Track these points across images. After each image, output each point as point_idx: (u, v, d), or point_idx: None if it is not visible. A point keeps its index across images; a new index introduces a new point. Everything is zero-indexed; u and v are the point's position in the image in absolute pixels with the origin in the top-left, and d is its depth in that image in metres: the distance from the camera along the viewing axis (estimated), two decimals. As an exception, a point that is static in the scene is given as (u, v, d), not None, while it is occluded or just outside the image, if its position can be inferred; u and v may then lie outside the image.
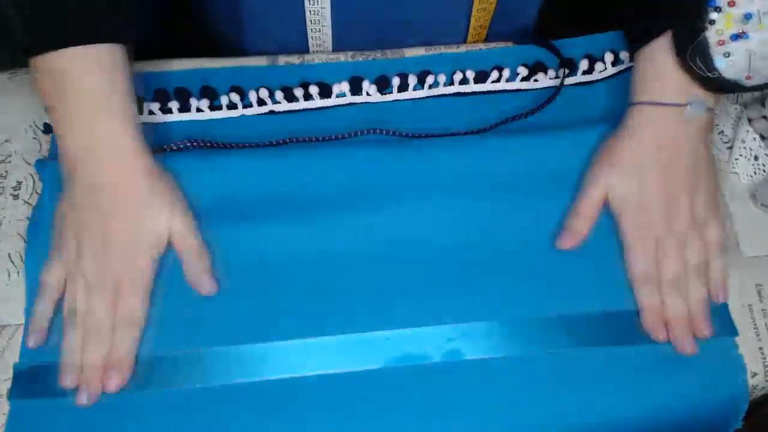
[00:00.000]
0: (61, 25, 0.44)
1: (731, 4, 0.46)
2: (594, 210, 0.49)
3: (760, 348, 0.48)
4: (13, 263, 0.49)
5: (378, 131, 0.53)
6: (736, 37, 0.46)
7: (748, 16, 0.46)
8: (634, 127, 0.50)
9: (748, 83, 0.47)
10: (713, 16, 0.46)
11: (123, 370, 0.44)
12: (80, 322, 0.44)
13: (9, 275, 0.49)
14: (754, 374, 0.47)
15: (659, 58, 0.50)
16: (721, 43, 0.46)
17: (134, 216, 0.45)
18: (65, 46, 0.44)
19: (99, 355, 0.44)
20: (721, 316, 0.48)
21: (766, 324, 0.49)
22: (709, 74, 0.47)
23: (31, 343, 0.45)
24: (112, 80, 0.45)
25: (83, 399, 0.43)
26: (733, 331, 0.47)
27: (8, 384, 0.45)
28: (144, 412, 0.44)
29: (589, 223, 0.49)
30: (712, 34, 0.47)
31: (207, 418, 0.44)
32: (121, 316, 0.45)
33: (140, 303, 0.45)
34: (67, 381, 0.44)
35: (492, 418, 0.45)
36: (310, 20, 0.56)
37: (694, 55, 0.47)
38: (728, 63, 0.47)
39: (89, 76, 0.44)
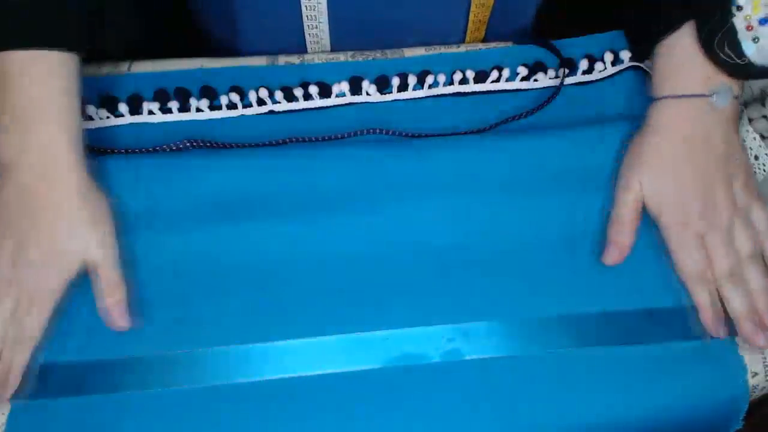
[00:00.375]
0: (9, 26, 0.44)
1: None
2: (633, 216, 0.48)
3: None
4: (12, 262, 0.49)
5: (378, 131, 0.53)
6: (764, 21, 0.45)
7: None
8: (660, 124, 0.49)
9: None
10: (741, 1, 0.46)
11: (6, 387, 0.43)
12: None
13: (8, 274, 0.48)
14: (755, 374, 0.47)
15: (680, 50, 0.49)
16: (750, 28, 0.45)
17: (51, 233, 0.44)
18: (8, 47, 0.43)
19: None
20: (725, 340, 0.48)
21: (766, 324, 0.49)
22: (738, 61, 0.46)
23: None
24: (55, 88, 0.44)
25: None
26: (733, 330, 0.47)
27: (7, 383, 0.45)
28: (144, 412, 0.44)
29: (632, 230, 0.48)
30: (739, 20, 0.46)
31: (206, 419, 0.44)
32: (14, 332, 0.44)
33: (38, 323, 0.44)
34: None
35: (492, 418, 0.45)
36: (307, 16, 0.56)
37: (722, 44, 0.46)
38: (758, 48, 0.46)
39: (31, 82, 0.44)
